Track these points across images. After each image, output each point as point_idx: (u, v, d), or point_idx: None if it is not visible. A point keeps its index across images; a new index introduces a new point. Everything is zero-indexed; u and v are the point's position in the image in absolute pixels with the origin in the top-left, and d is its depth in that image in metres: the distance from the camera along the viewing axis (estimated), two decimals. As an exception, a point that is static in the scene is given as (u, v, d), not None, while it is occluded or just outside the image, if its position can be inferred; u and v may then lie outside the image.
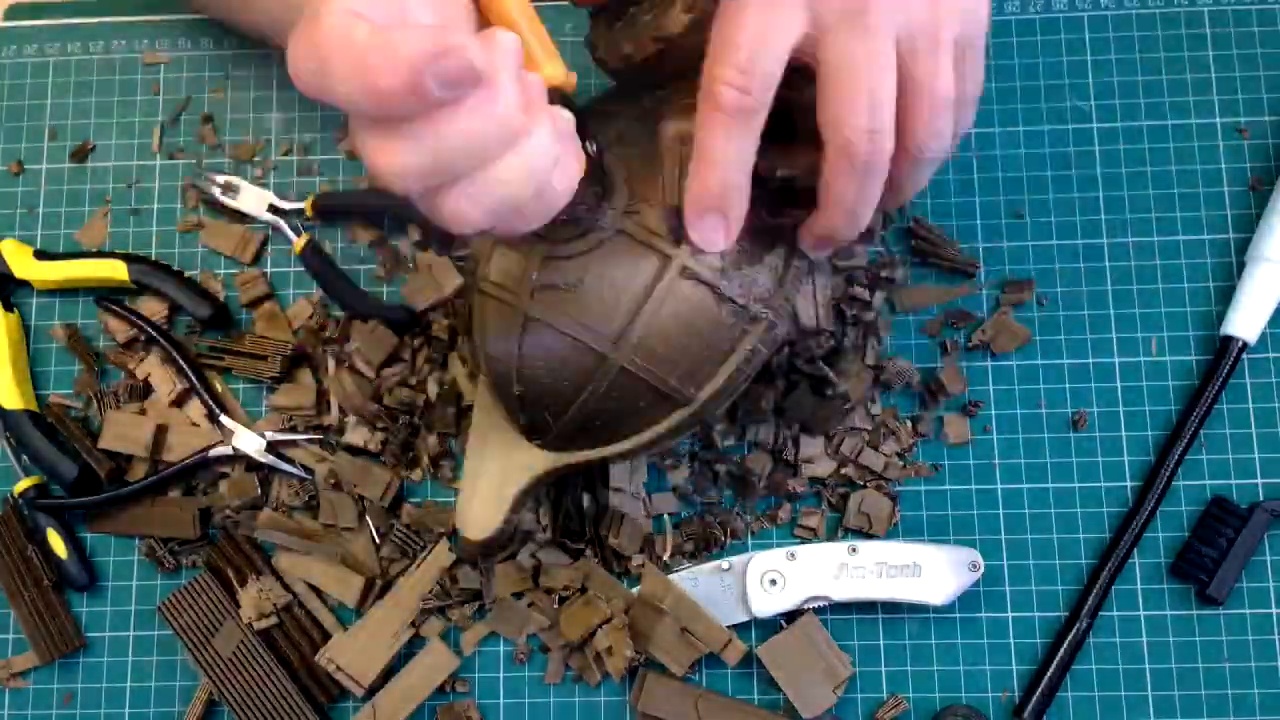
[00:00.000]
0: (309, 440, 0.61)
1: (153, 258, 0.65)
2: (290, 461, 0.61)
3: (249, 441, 0.61)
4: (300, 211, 0.65)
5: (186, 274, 0.64)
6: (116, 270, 0.63)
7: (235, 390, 0.63)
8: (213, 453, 0.61)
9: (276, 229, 0.65)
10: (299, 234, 0.64)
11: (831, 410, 0.59)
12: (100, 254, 0.64)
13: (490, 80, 0.35)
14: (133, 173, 0.67)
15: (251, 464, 0.61)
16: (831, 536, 0.59)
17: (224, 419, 0.61)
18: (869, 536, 0.59)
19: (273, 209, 0.65)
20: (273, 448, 0.61)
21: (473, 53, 0.34)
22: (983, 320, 0.61)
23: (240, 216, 0.65)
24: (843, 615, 0.59)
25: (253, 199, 0.65)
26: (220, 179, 0.65)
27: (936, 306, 0.61)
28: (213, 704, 0.59)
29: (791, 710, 0.56)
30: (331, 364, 0.62)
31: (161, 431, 0.62)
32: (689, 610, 0.57)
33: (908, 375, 0.60)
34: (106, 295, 0.64)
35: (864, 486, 0.59)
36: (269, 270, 0.65)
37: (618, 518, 0.59)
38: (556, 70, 0.42)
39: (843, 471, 0.60)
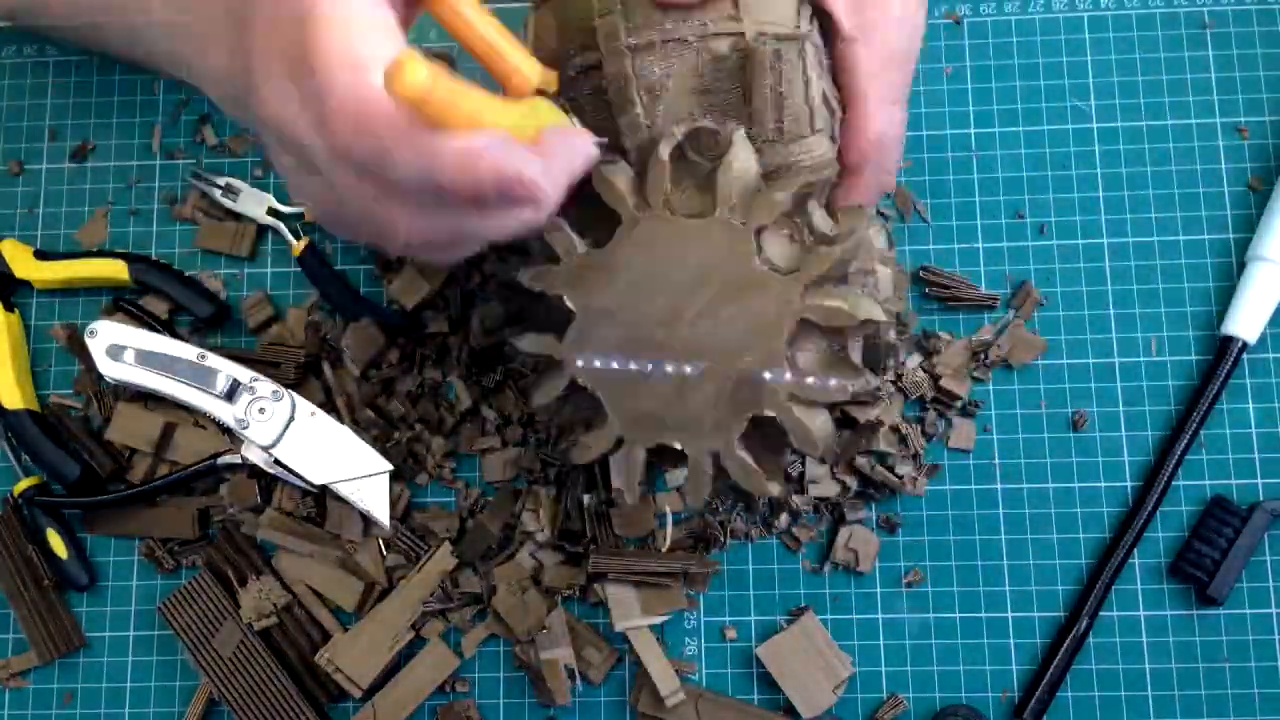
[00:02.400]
0: None
1: (153, 257, 0.65)
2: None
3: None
4: (300, 215, 0.65)
5: (186, 274, 0.64)
6: (117, 270, 0.63)
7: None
8: (221, 460, 0.60)
9: (276, 232, 0.65)
10: (299, 237, 0.64)
11: (859, 437, 0.59)
12: (100, 253, 0.64)
13: (539, 198, 0.38)
14: (133, 173, 0.67)
15: (255, 471, 0.61)
16: (821, 555, 0.59)
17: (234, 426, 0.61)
18: (854, 573, 0.59)
19: (272, 211, 0.65)
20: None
21: (538, 176, 0.37)
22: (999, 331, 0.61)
23: (239, 219, 0.65)
24: (843, 615, 0.59)
25: (252, 201, 0.65)
26: (221, 180, 0.65)
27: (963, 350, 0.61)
28: (213, 704, 0.60)
29: (791, 710, 0.56)
30: (328, 369, 0.62)
31: (170, 429, 0.62)
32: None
33: (923, 387, 0.60)
34: (120, 296, 0.64)
35: (876, 501, 0.59)
36: (269, 270, 0.65)
37: (619, 516, 0.59)
38: (534, 71, 0.42)
39: (861, 489, 0.59)
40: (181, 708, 0.60)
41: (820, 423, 0.47)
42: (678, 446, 0.48)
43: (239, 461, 0.60)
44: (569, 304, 0.48)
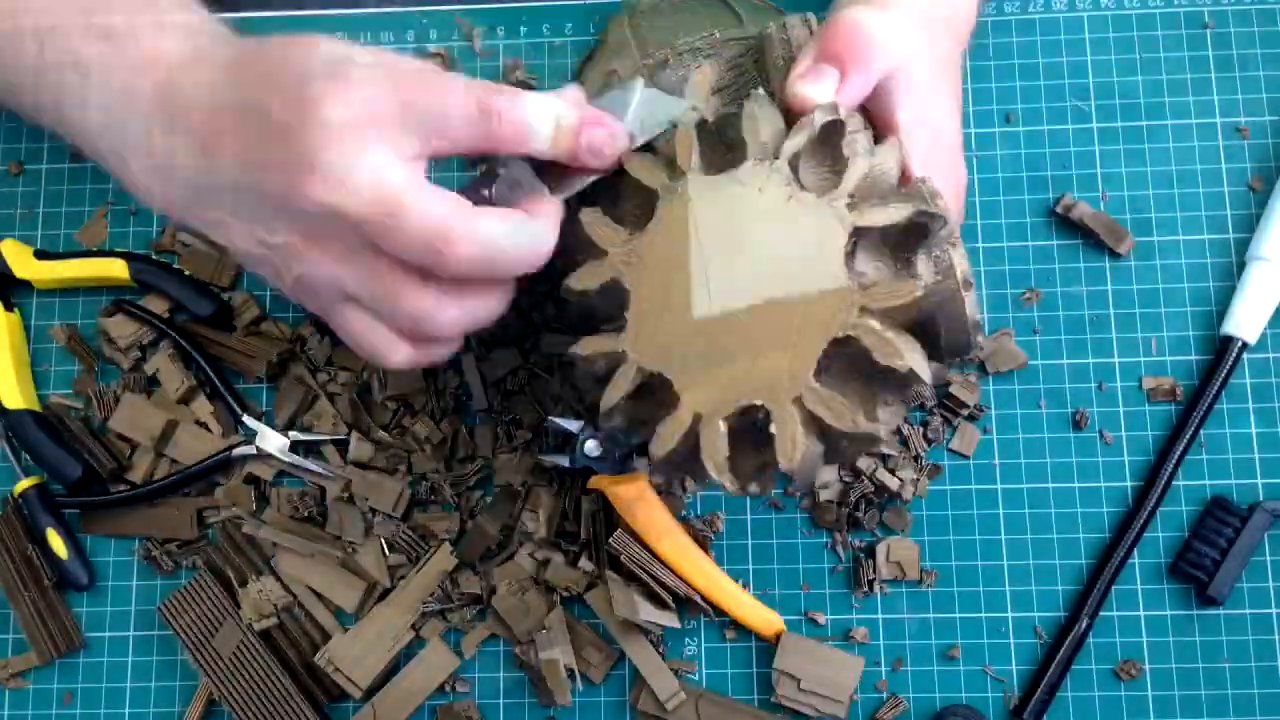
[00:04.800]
0: (333, 441, 0.61)
1: (153, 257, 0.65)
2: (317, 457, 0.60)
3: (272, 441, 0.60)
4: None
5: (186, 273, 0.64)
6: (117, 269, 0.63)
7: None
8: (236, 452, 0.60)
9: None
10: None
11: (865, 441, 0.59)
12: (100, 253, 0.64)
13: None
14: (133, 173, 0.67)
15: (250, 477, 0.61)
16: (830, 552, 0.59)
17: (247, 419, 0.61)
18: (904, 584, 0.59)
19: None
20: (296, 448, 0.60)
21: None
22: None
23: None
24: (843, 615, 0.59)
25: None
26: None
27: None
28: (213, 704, 0.60)
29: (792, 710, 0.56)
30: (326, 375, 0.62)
31: (171, 425, 0.62)
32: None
33: (927, 396, 0.60)
34: (121, 297, 0.64)
35: (877, 505, 0.59)
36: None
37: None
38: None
39: (861, 492, 0.59)
40: (181, 708, 0.60)
41: (905, 342, 0.44)
42: (758, 403, 0.45)
43: (254, 453, 0.60)
44: (626, 285, 0.47)
